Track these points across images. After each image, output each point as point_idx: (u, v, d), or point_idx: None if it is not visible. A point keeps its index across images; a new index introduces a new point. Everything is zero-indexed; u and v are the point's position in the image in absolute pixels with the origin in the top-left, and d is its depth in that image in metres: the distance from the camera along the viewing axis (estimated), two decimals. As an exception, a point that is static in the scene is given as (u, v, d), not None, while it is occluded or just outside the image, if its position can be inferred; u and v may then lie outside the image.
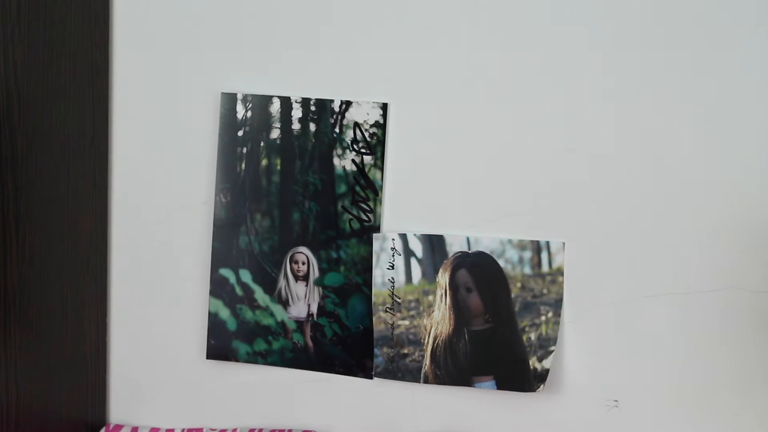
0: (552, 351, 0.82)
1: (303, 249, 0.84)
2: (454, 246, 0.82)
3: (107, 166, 0.85)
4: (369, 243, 0.83)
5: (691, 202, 0.79)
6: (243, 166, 0.83)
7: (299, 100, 0.82)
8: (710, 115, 0.77)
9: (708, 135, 0.78)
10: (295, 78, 0.82)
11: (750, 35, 0.75)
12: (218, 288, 0.85)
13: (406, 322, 0.83)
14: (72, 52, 0.77)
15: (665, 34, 0.76)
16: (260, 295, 0.85)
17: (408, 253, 0.82)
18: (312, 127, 0.82)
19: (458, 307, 0.82)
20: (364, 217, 0.83)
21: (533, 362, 0.82)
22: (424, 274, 0.82)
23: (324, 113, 0.82)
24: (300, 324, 0.85)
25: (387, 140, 0.82)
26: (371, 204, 0.82)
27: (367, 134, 0.82)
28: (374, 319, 0.83)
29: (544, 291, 0.81)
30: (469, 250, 0.82)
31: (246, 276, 0.85)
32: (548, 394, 0.84)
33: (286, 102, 0.82)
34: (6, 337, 0.71)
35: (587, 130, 0.79)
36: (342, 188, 0.83)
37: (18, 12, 0.69)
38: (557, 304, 0.81)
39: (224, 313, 0.86)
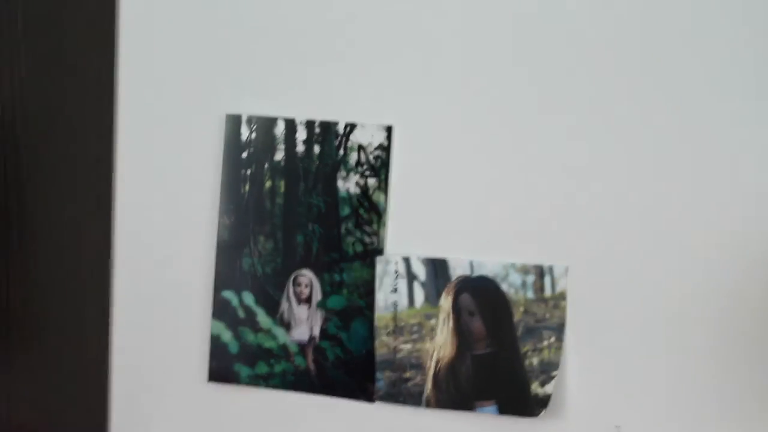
0: (554, 376, 0.81)
1: (306, 271, 0.84)
2: (457, 270, 0.82)
3: (111, 186, 0.85)
4: (372, 266, 0.82)
5: (696, 227, 0.79)
6: (247, 187, 0.83)
7: (304, 122, 0.82)
8: (710, 137, 0.78)
9: (711, 158, 0.78)
10: (299, 100, 0.82)
11: (747, 51, 0.76)
12: (220, 310, 0.85)
13: (409, 346, 0.83)
14: (77, 72, 0.78)
15: (664, 58, 0.77)
16: (262, 318, 0.85)
17: (411, 276, 0.82)
18: (316, 149, 0.82)
19: (461, 331, 0.82)
20: (368, 240, 0.83)
21: (535, 387, 0.82)
22: (426, 298, 0.82)
23: (328, 135, 0.82)
24: (302, 347, 0.85)
25: (391, 163, 0.82)
26: (375, 227, 0.82)
27: (371, 156, 0.82)
28: (376, 342, 0.83)
29: (547, 315, 0.81)
30: (472, 273, 0.81)
31: (248, 298, 0.85)
32: (550, 419, 0.83)
33: (290, 124, 0.82)
34: (7, 359, 0.71)
35: (591, 155, 0.79)
36: (345, 210, 0.82)
37: (24, 32, 0.69)
38: (560, 329, 0.81)
39: (226, 335, 0.85)
